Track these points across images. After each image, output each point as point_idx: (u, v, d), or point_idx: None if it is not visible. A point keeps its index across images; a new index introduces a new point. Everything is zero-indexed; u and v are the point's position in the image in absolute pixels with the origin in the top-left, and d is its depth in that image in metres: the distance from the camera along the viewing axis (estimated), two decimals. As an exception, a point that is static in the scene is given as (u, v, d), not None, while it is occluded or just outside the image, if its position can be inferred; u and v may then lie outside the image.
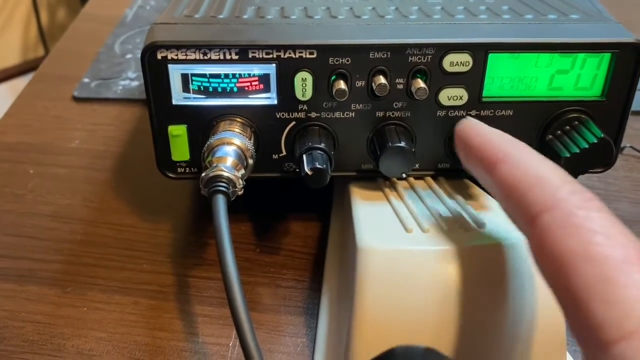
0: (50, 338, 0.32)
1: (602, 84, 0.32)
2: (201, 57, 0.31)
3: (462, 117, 0.33)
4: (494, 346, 0.27)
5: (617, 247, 0.18)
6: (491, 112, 0.33)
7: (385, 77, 0.31)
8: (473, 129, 0.25)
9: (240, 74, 0.31)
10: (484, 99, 0.32)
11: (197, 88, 0.32)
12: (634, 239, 0.19)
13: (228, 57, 0.31)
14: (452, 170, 0.34)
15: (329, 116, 0.33)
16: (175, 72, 0.31)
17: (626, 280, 0.18)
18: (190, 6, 0.35)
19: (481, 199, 0.32)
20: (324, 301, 0.33)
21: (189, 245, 0.38)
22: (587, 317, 0.18)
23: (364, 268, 0.27)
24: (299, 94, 0.32)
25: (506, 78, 0.32)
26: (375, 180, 0.35)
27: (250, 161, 0.31)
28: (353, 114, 0.33)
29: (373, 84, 0.31)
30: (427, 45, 0.31)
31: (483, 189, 0.32)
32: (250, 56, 0.31)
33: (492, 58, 0.31)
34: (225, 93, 0.32)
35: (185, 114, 0.32)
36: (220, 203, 0.28)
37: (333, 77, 0.31)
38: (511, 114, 0.33)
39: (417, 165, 0.34)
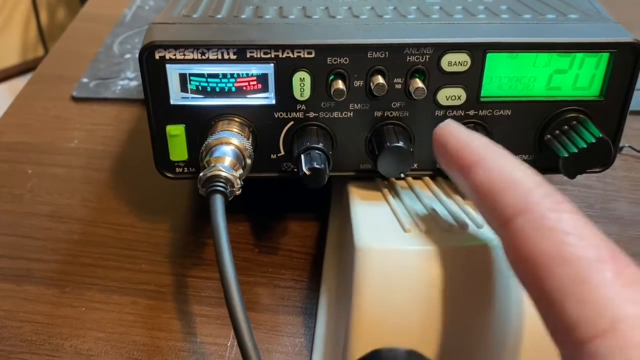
0: (48, 338, 0.32)
1: (600, 84, 0.32)
2: (199, 57, 0.31)
3: (461, 116, 0.33)
4: (490, 345, 0.27)
5: (590, 247, 0.19)
6: (489, 112, 0.33)
7: (384, 76, 0.31)
8: (450, 132, 0.25)
9: (238, 74, 0.31)
10: (482, 99, 0.32)
11: (195, 88, 0.32)
12: (605, 239, 0.19)
13: (226, 57, 0.31)
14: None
15: (327, 116, 0.33)
16: (173, 72, 0.31)
17: (599, 279, 0.18)
18: (188, 6, 0.35)
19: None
20: (322, 301, 0.33)
21: (188, 245, 0.38)
22: (563, 316, 0.18)
23: (361, 268, 0.27)
24: (297, 94, 0.32)
25: (504, 78, 0.32)
26: (374, 180, 0.35)
27: (249, 161, 0.31)
28: (351, 113, 0.33)
29: (371, 84, 0.31)
30: (426, 45, 0.31)
31: None
32: (248, 56, 0.31)
33: (491, 58, 0.31)
34: (223, 93, 0.32)
35: (183, 114, 0.32)
36: (218, 203, 0.28)
37: (331, 77, 0.31)
38: (509, 113, 0.33)
39: (415, 165, 0.34)
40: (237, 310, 0.25)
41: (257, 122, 0.33)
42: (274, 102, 0.32)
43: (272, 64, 0.31)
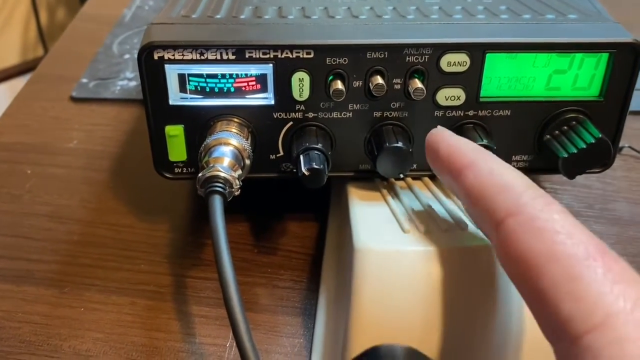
0: (47, 339, 0.32)
1: (600, 84, 0.32)
2: (198, 57, 0.31)
3: (460, 117, 0.33)
4: (490, 345, 0.27)
5: (580, 245, 0.19)
6: (489, 112, 0.33)
7: (383, 77, 0.31)
8: (442, 138, 0.26)
9: (237, 74, 0.31)
10: (481, 99, 0.32)
11: (194, 88, 0.32)
12: (594, 237, 0.20)
13: (225, 57, 0.31)
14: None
15: (326, 116, 0.33)
16: (172, 73, 0.31)
17: (590, 276, 0.19)
18: (187, 6, 0.35)
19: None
20: (321, 302, 0.33)
21: (187, 246, 0.38)
22: (556, 313, 0.19)
23: (360, 268, 0.27)
24: (296, 94, 0.32)
25: (504, 78, 0.32)
26: (373, 180, 0.35)
27: (247, 161, 0.31)
28: (350, 114, 0.33)
29: (370, 84, 0.31)
30: (425, 45, 0.31)
31: None
32: (247, 56, 0.31)
33: (490, 58, 0.31)
34: (222, 93, 0.32)
35: (182, 114, 0.32)
36: (217, 203, 0.28)
37: (330, 77, 0.31)
38: (509, 114, 0.33)
39: (414, 166, 0.34)
40: (236, 311, 0.25)
41: (256, 122, 0.33)
42: (273, 102, 0.32)
43: (271, 64, 0.31)
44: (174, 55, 0.31)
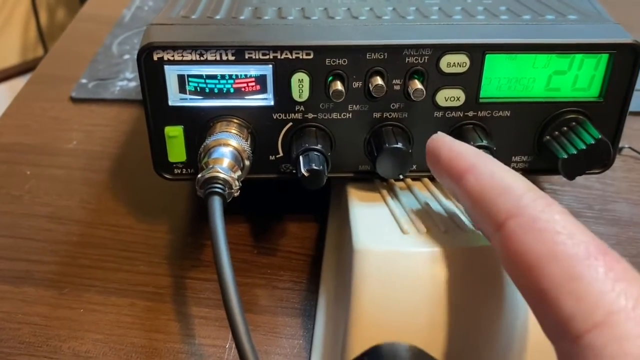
0: (46, 340, 0.32)
1: (599, 85, 0.32)
2: (197, 58, 0.31)
3: (460, 117, 0.33)
4: (489, 347, 0.27)
5: (580, 245, 0.20)
6: (488, 113, 0.33)
7: (382, 78, 0.31)
8: (443, 143, 0.26)
9: (236, 75, 0.31)
10: (481, 100, 0.32)
11: (193, 89, 0.32)
12: (595, 237, 0.20)
13: (224, 58, 0.31)
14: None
15: (326, 117, 0.32)
16: (171, 73, 0.31)
17: (591, 275, 0.19)
18: (187, 7, 0.35)
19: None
20: (321, 303, 0.33)
21: (186, 247, 0.38)
22: (558, 312, 0.19)
23: (360, 269, 0.27)
24: (295, 95, 0.32)
25: (503, 79, 0.32)
26: (372, 181, 0.34)
27: (247, 162, 0.31)
28: (350, 115, 0.32)
29: (370, 85, 0.31)
30: (424, 46, 0.31)
31: None
32: (246, 57, 0.31)
33: (490, 59, 0.31)
34: (221, 94, 0.32)
35: (181, 115, 0.32)
36: (216, 204, 0.28)
37: (330, 78, 0.31)
38: (508, 114, 0.33)
39: (414, 167, 0.34)
40: (235, 312, 0.25)
41: (256, 123, 0.33)
42: (272, 103, 0.32)
43: (271, 65, 0.31)
44: (173, 56, 0.31)
